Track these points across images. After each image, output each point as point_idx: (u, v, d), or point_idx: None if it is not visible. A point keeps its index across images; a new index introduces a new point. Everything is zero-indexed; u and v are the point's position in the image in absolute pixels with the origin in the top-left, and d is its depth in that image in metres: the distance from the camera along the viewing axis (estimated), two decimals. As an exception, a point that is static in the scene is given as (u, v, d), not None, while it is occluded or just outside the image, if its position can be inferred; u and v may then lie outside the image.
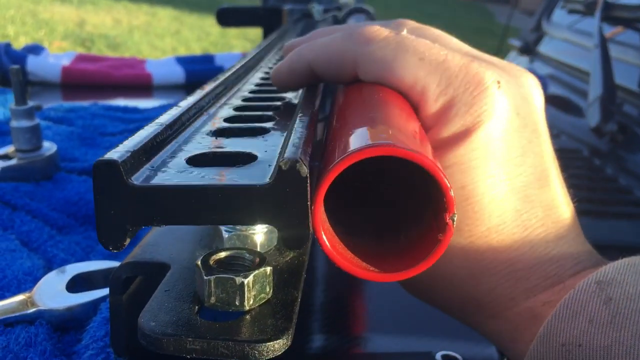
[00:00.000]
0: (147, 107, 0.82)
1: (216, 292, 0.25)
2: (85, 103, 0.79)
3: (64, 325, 0.35)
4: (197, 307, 0.26)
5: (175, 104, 0.31)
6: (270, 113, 0.33)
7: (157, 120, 0.28)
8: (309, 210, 0.23)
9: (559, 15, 1.53)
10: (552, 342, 0.27)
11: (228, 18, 1.18)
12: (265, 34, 1.16)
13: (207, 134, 0.30)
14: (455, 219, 0.24)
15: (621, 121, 0.97)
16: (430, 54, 0.30)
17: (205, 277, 0.25)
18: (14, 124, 0.55)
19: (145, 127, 0.27)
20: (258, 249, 0.30)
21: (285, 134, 0.29)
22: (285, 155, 0.23)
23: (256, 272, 0.26)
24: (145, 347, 0.24)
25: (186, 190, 0.23)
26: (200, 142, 0.28)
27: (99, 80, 1.08)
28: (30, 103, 0.56)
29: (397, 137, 0.25)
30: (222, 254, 0.28)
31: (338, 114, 0.31)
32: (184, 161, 0.26)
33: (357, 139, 0.25)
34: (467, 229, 0.30)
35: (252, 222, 0.23)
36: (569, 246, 0.31)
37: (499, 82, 0.30)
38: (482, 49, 0.35)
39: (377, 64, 0.31)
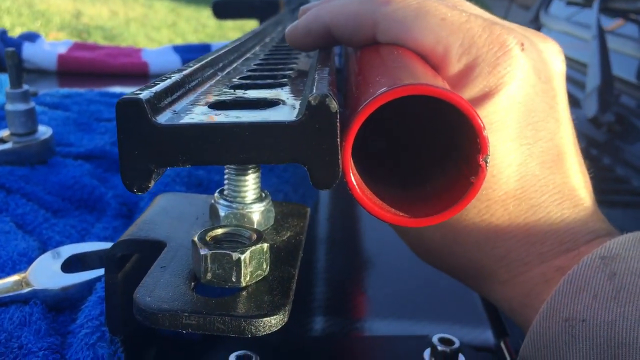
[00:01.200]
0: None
1: (212, 267, 0.25)
2: (81, 89, 0.78)
3: (59, 306, 0.35)
4: (193, 283, 0.26)
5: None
6: (286, 72, 0.33)
7: (178, 69, 0.27)
8: (339, 147, 0.22)
9: (557, 7, 1.53)
10: (555, 317, 0.27)
11: (224, 10, 1.17)
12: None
13: (226, 87, 0.29)
14: (488, 160, 0.23)
15: (619, 112, 0.97)
16: (452, 14, 0.30)
17: (201, 253, 0.25)
18: (9, 107, 0.55)
19: (165, 76, 0.26)
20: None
21: (305, 84, 0.29)
22: (314, 91, 0.22)
23: (253, 248, 0.25)
24: (141, 322, 0.24)
25: (214, 127, 0.22)
26: (220, 92, 0.28)
27: (95, 69, 1.07)
28: (26, 87, 0.55)
29: (428, 80, 0.24)
30: (219, 231, 0.27)
31: (359, 68, 0.31)
32: (207, 106, 0.25)
33: (389, 81, 0.24)
34: (485, 192, 0.30)
35: (281, 160, 0.22)
36: (584, 214, 0.31)
37: (522, 45, 0.30)
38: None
39: (397, 24, 0.30)
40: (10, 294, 0.34)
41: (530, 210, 0.30)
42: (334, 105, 0.22)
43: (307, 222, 0.33)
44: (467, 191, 0.24)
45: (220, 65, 0.34)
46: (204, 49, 1.18)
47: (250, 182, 0.30)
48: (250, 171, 0.29)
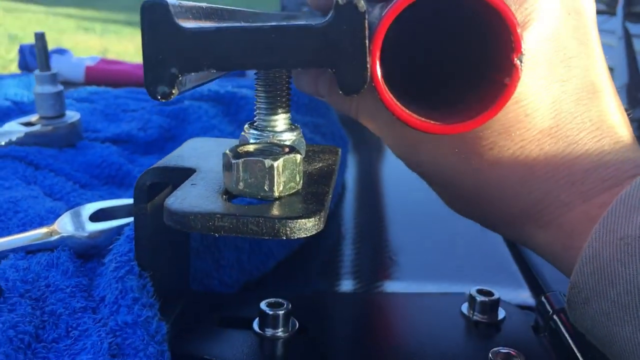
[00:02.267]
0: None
1: (244, 176, 0.24)
2: (108, 88, 0.79)
3: (87, 253, 0.34)
4: (225, 196, 0.25)
5: (198, 89, 0.30)
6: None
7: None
8: (367, 49, 0.22)
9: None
10: (609, 237, 0.26)
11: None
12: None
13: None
14: (523, 59, 0.23)
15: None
16: None
17: (233, 161, 0.24)
18: (38, 89, 0.55)
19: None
20: None
21: None
22: None
23: (286, 157, 0.25)
24: (172, 226, 0.23)
25: (239, 30, 0.21)
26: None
27: (123, 80, 1.09)
28: (55, 69, 0.56)
29: None
30: (251, 147, 0.27)
31: None
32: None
33: None
34: (519, 132, 0.29)
35: (307, 64, 0.22)
36: (625, 150, 0.29)
37: None
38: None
39: None
40: (38, 242, 0.34)
41: (568, 148, 0.29)
42: (362, 5, 0.21)
43: (339, 159, 0.32)
44: (501, 94, 0.23)
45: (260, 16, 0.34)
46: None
47: (281, 111, 0.29)
48: (280, 99, 0.29)
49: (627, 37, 1.06)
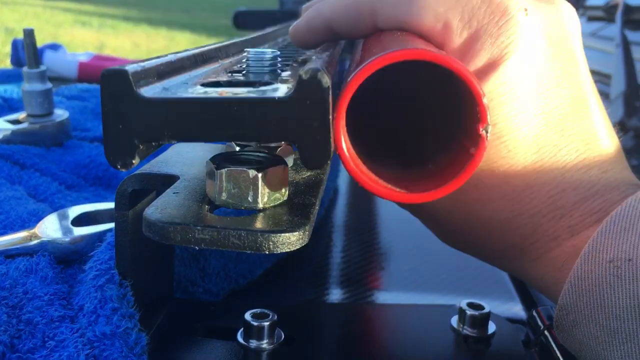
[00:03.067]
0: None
1: (227, 186, 0.24)
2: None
3: (68, 259, 0.34)
4: (207, 206, 0.24)
5: None
6: (289, 62, 0.32)
7: (173, 52, 0.26)
8: (331, 124, 0.21)
9: (579, 23, 1.52)
10: (598, 258, 0.25)
11: (244, 20, 1.18)
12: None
13: (222, 72, 0.28)
14: (489, 130, 0.22)
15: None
16: None
17: (216, 170, 0.24)
18: (26, 87, 0.54)
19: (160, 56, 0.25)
20: None
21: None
22: (306, 67, 0.21)
23: (271, 168, 0.24)
24: (151, 238, 0.22)
25: (200, 102, 0.21)
26: (218, 75, 0.27)
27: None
28: (43, 67, 0.55)
29: (427, 47, 0.23)
30: (237, 154, 0.26)
31: (359, 53, 0.30)
32: (199, 85, 0.24)
33: (384, 50, 0.23)
34: (502, 169, 0.28)
35: (270, 138, 0.21)
36: (614, 179, 0.29)
37: (526, 10, 0.28)
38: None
39: (394, 8, 0.29)
40: (18, 246, 0.33)
41: (553, 182, 0.28)
42: (325, 80, 0.20)
43: (329, 168, 0.31)
44: (467, 164, 0.23)
45: (224, 54, 0.33)
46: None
47: None
48: None
49: (625, 45, 1.05)
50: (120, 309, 0.27)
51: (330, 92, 0.21)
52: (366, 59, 0.23)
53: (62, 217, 0.36)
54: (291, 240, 0.22)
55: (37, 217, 0.38)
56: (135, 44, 5.21)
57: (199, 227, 0.22)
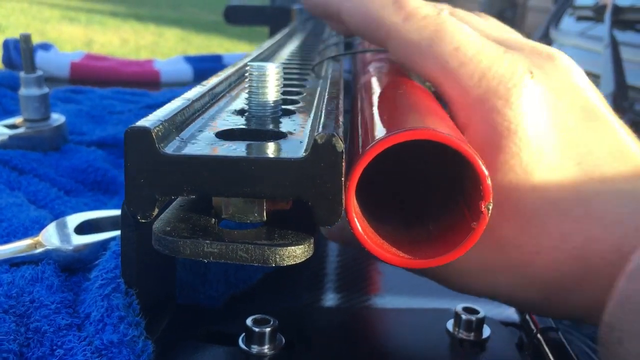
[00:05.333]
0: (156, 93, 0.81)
1: (234, 201, 0.24)
2: (93, 88, 0.78)
3: (72, 267, 0.34)
4: (214, 220, 0.25)
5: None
6: (294, 97, 0.33)
7: (183, 96, 0.28)
8: (343, 187, 0.22)
9: (567, 23, 1.53)
10: None
11: (235, 16, 1.17)
12: (272, 35, 1.16)
13: (233, 113, 0.29)
14: (490, 208, 0.23)
15: (634, 119, 0.96)
16: (467, 42, 0.29)
17: (222, 185, 0.24)
18: (23, 92, 0.54)
19: (172, 102, 0.26)
20: None
21: (312, 115, 0.29)
22: (321, 129, 0.22)
23: (276, 181, 0.25)
24: (160, 251, 0.23)
25: (220, 161, 0.22)
26: (227, 120, 0.28)
27: (108, 77, 1.08)
28: (40, 72, 0.55)
29: (435, 124, 0.24)
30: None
31: (365, 101, 0.31)
32: (213, 135, 0.25)
33: (393, 124, 0.25)
34: (529, 248, 0.28)
35: (285, 196, 0.22)
36: None
37: (531, 73, 0.28)
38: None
39: (409, 47, 0.30)
40: (23, 254, 0.34)
41: (605, 235, 0.27)
42: (340, 145, 0.22)
43: None
44: (468, 236, 0.24)
45: (228, 86, 0.34)
46: (216, 59, 1.18)
47: None
48: None
49: (614, 45, 1.07)
50: (126, 317, 0.28)
51: (344, 157, 0.22)
52: (375, 129, 0.25)
53: (65, 225, 0.36)
54: (297, 254, 0.23)
55: (39, 225, 0.38)
56: (124, 40, 5.18)
57: (207, 242, 0.23)
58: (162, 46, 5.15)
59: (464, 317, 0.35)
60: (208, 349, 0.32)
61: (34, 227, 0.38)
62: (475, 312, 0.35)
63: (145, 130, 0.22)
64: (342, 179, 0.22)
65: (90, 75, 1.07)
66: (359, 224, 0.24)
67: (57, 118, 0.57)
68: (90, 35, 5.14)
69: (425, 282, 0.43)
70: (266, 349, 0.32)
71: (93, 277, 0.31)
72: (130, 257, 0.29)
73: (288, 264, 0.23)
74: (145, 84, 1.06)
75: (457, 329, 0.35)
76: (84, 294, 0.31)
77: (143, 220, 0.23)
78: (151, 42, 5.25)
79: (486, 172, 0.23)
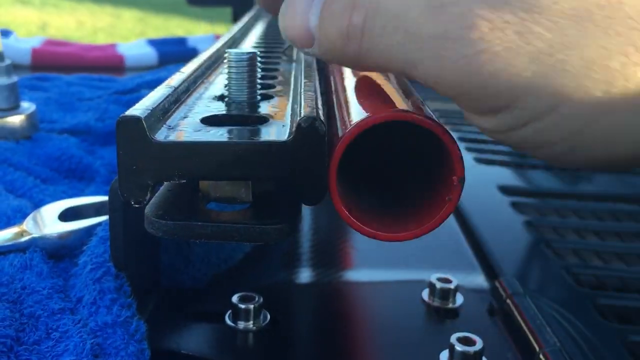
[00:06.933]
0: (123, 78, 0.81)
1: (222, 184, 0.26)
2: (59, 74, 0.78)
3: (58, 254, 0.35)
4: (202, 202, 0.26)
5: (154, 77, 0.31)
6: (270, 81, 0.34)
7: (166, 84, 0.28)
8: (326, 169, 0.24)
9: None
10: None
11: (198, -4, 1.17)
12: (235, 16, 1.16)
13: (213, 99, 0.30)
14: (463, 182, 0.24)
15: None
16: None
17: (210, 169, 0.25)
18: (-8, 81, 0.54)
19: (156, 90, 0.27)
20: None
21: (291, 99, 0.30)
22: (303, 114, 0.24)
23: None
24: (154, 234, 0.24)
25: (209, 146, 0.23)
26: (209, 106, 0.29)
27: (70, 62, 1.06)
28: (8, 61, 0.55)
29: (408, 106, 0.26)
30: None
31: (339, 84, 0.32)
32: (198, 121, 0.26)
33: (369, 107, 0.26)
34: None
35: (271, 177, 0.24)
36: None
37: None
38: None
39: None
40: (9, 243, 0.34)
41: None
42: (322, 129, 0.23)
43: None
44: (443, 209, 0.25)
45: (206, 73, 0.35)
46: (180, 42, 1.18)
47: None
48: None
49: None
50: (119, 299, 0.29)
51: (325, 138, 0.23)
52: (352, 113, 0.26)
53: (48, 213, 0.37)
54: (284, 231, 0.24)
55: (21, 213, 0.39)
56: (80, 23, 5.07)
57: (199, 223, 0.24)
58: (119, 28, 5.05)
59: (438, 286, 0.37)
60: (196, 328, 0.34)
61: (16, 216, 0.38)
62: (449, 281, 0.37)
63: (136, 119, 0.23)
64: (324, 159, 0.24)
65: (53, 62, 1.06)
66: (342, 202, 0.25)
67: (28, 106, 0.57)
68: (44, 18, 5.01)
69: (400, 256, 0.45)
70: (252, 324, 0.33)
71: (82, 262, 0.32)
72: (118, 242, 0.30)
73: (276, 241, 0.24)
74: (109, 69, 1.05)
75: (432, 298, 0.37)
76: (74, 279, 0.32)
77: (136, 205, 0.24)
78: (108, 24, 5.15)
79: (458, 150, 0.24)
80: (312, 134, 0.23)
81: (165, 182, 0.28)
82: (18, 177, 0.46)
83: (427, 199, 0.26)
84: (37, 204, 0.43)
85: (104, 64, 1.07)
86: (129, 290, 0.30)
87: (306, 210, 0.51)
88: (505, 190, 0.60)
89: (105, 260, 0.31)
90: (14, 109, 0.56)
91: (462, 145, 0.74)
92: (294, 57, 0.42)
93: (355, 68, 0.32)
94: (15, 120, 0.55)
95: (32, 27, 4.56)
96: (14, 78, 0.55)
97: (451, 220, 0.52)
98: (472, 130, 0.80)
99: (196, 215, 0.25)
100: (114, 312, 0.28)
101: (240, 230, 0.24)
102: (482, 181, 0.64)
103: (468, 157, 0.70)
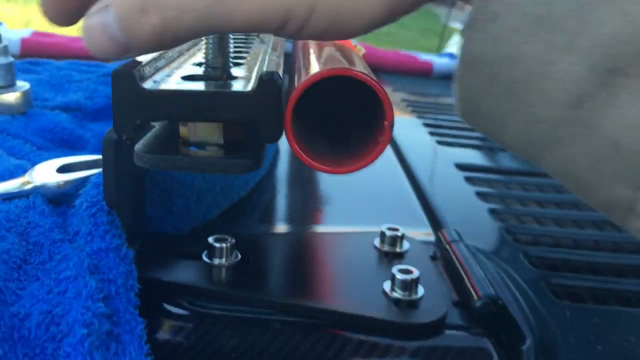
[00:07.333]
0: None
1: (198, 126, 0.31)
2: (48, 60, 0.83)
3: (56, 200, 0.40)
4: (183, 145, 0.32)
5: None
6: (243, 55, 0.39)
7: (156, 53, 0.34)
8: (283, 113, 0.29)
9: None
10: None
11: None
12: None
13: (194, 65, 0.36)
14: (392, 126, 0.30)
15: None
16: None
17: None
18: (-10, 60, 0.59)
19: (147, 55, 0.32)
20: None
21: (257, 66, 0.36)
22: (265, 70, 0.29)
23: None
24: (142, 166, 0.30)
25: (188, 94, 0.29)
26: (190, 69, 0.34)
27: (60, 52, 1.11)
28: (5, 41, 0.60)
29: (351, 65, 0.31)
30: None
31: (301, 54, 0.38)
32: (180, 78, 0.32)
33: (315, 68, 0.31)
34: None
35: (238, 120, 0.29)
36: None
37: None
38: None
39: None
40: (15, 191, 0.39)
41: None
42: (279, 81, 0.29)
43: None
44: (376, 148, 0.30)
45: (191, 48, 0.40)
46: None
47: None
48: None
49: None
50: (111, 230, 0.34)
51: (282, 89, 0.29)
52: (303, 74, 0.31)
53: (48, 167, 0.42)
54: (248, 165, 0.30)
55: (22, 169, 0.44)
56: (64, 21, 5.06)
57: (179, 157, 0.30)
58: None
59: (387, 234, 0.43)
60: (177, 263, 0.39)
61: (18, 172, 0.43)
62: (396, 230, 0.43)
63: (129, 72, 0.28)
64: (281, 107, 0.29)
65: (41, 51, 1.10)
66: (295, 141, 0.30)
67: (22, 85, 0.62)
68: (28, 15, 5.01)
69: (356, 210, 0.51)
70: (225, 261, 0.39)
71: (78, 203, 0.37)
72: (110, 183, 0.35)
73: (243, 172, 0.30)
74: (95, 58, 1.10)
75: (382, 244, 0.43)
76: (71, 218, 0.37)
77: (128, 141, 0.29)
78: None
79: (388, 100, 0.30)
80: (271, 84, 0.29)
81: (151, 126, 0.33)
82: (16, 144, 0.51)
83: (366, 141, 0.32)
84: (35, 164, 0.48)
85: (90, 54, 1.11)
86: (119, 224, 0.35)
87: (276, 179, 0.57)
88: (460, 167, 0.66)
89: (99, 200, 0.36)
90: (10, 86, 0.61)
91: (425, 130, 0.80)
92: (266, 39, 0.47)
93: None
94: (11, 97, 0.60)
95: (16, 24, 4.57)
96: (10, 58, 0.60)
97: (406, 184, 0.58)
98: (437, 118, 0.86)
99: (177, 152, 0.30)
100: (107, 240, 0.34)
101: (212, 162, 0.30)
102: (441, 159, 0.71)
103: (431, 140, 0.76)
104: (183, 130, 0.32)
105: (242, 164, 0.30)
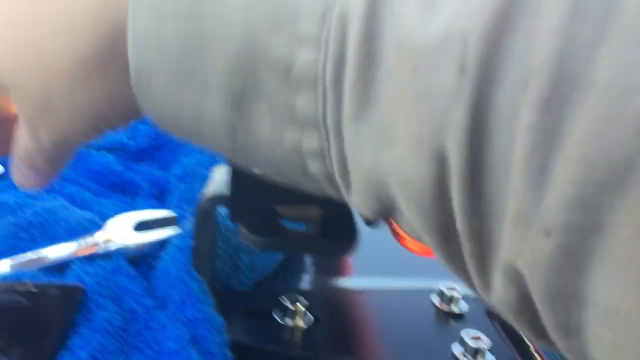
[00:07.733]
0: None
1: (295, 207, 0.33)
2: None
3: (135, 260, 0.41)
4: (280, 221, 0.33)
5: None
6: None
7: None
8: None
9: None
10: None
11: None
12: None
13: None
14: None
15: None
16: None
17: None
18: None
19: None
20: None
21: None
22: None
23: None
24: (250, 247, 0.31)
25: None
26: None
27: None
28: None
29: None
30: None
31: None
32: None
33: None
34: None
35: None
36: None
37: None
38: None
39: None
40: (99, 252, 0.41)
41: None
42: None
43: None
44: None
45: None
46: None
47: None
48: None
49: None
50: (203, 298, 0.36)
51: None
52: None
53: (123, 223, 0.43)
54: (348, 247, 0.32)
55: (92, 223, 0.45)
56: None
57: (286, 241, 0.31)
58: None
59: (447, 293, 0.45)
60: (250, 323, 0.41)
61: (92, 226, 0.45)
62: (453, 288, 0.45)
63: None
64: None
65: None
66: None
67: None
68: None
69: (410, 264, 0.53)
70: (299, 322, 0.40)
71: (163, 267, 0.38)
72: (203, 250, 0.37)
73: (341, 255, 0.32)
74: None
75: (442, 303, 0.45)
76: (156, 281, 0.39)
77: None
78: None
79: None
80: None
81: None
82: (75, 191, 0.53)
83: None
84: (99, 216, 0.49)
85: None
86: (208, 290, 0.37)
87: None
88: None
89: (187, 266, 0.37)
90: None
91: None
92: None
93: None
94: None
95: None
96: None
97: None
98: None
99: (278, 230, 0.32)
100: (201, 310, 0.35)
101: (314, 246, 0.31)
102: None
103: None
104: (282, 209, 0.33)
105: (341, 250, 0.32)
